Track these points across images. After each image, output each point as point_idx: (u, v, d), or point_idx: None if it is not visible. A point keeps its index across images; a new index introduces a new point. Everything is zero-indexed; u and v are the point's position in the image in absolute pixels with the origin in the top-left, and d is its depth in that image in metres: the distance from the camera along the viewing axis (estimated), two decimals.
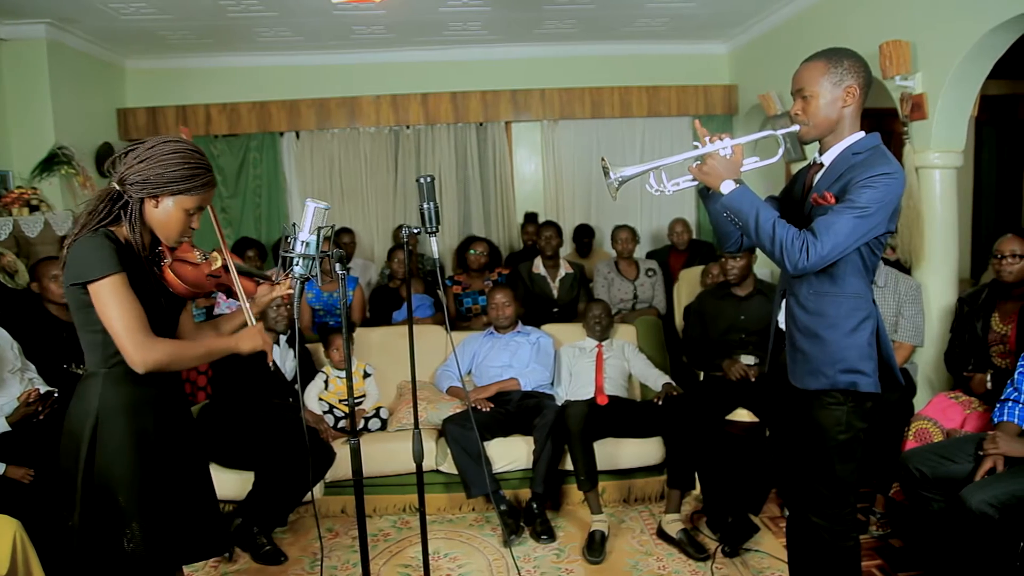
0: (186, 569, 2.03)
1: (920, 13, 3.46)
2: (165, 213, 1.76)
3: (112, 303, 1.65)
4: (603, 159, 1.95)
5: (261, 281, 2.09)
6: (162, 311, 1.80)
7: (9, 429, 2.78)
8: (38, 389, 2.89)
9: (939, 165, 3.49)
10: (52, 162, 4.43)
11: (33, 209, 4.13)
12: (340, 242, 5.09)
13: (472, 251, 4.72)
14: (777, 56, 5.02)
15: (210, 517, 1.94)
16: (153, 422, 1.78)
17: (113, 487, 1.72)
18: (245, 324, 1.98)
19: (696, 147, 1.94)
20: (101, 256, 1.65)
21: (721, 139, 1.92)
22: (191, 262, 1.88)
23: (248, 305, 1.95)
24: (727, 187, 1.89)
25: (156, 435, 1.78)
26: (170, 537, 1.79)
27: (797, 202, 2.06)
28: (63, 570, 1.79)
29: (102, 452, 1.72)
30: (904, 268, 3.62)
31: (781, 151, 2.06)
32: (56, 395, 2.90)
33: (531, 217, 5.80)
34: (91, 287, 1.66)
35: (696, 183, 2.00)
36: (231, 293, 2.00)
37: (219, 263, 1.94)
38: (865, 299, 1.94)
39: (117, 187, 1.74)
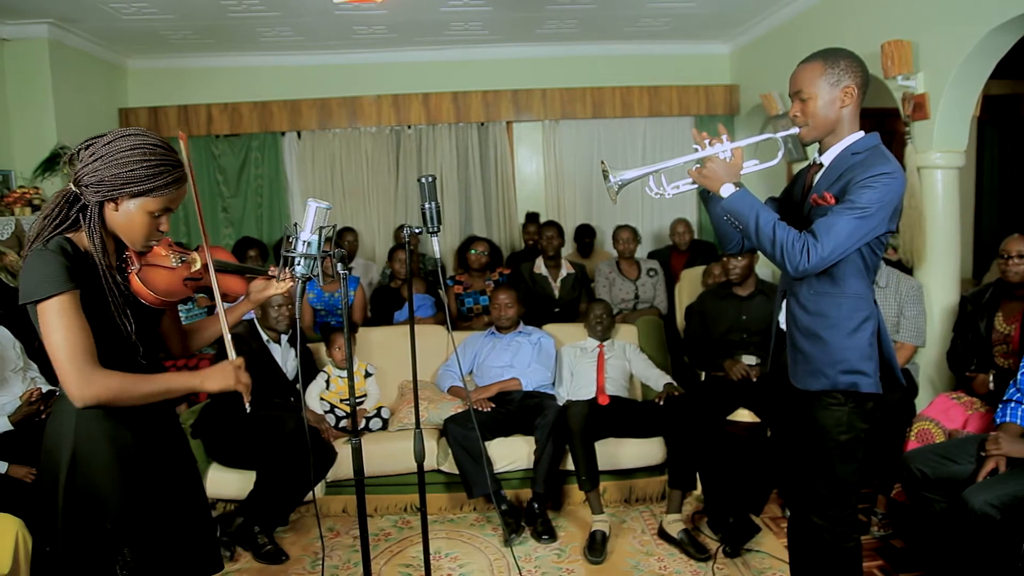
0: None
1: (922, 13, 3.46)
2: (126, 217, 1.56)
3: (56, 327, 1.46)
4: (603, 162, 1.95)
5: (254, 277, 1.98)
6: (132, 325, 1.61)
7: (12, 428, 2.80)
8: (40, 388, 2.91)
9: (941, 165, 3.49)
10: (54, 162, 4.43)
11: (35, 209, 4.15)
12: (343, 241, 5.10)
13: (473, 251, 4.72)
14: (778, 56, 5.01)
15: (204, 531, 1.81)
16: (133, 440, 1.62)
17: (99, 513, 1.58)
18: (237, 319, 1.87)
19: (696, 150, 1.94)
20: (47, 273, 1.47)
21: (720, 141, 1.92)
22: (164, 267, 1.69)
23: (225, 320, 1.78)
24: (727, 190, 1.89)
25: (138, 454, 1.62)
26: (165, 557, 1.66)
27: (797, 203, 2.06)
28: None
29: (82, 478, 1.57)
30: (906, 268, 3.62)
31: (780, 154, 2.06)
32: (58, 394, 2.90)
33: (532, 217, 5.80)
34: (38, 307, 1.48)
35: (696, 186, 2.00)
36: (223, 295, 1.83)
37: (199, 264, 1.77)
38: (866, 299, 1.94)
39: (73, 188, 1.55)
